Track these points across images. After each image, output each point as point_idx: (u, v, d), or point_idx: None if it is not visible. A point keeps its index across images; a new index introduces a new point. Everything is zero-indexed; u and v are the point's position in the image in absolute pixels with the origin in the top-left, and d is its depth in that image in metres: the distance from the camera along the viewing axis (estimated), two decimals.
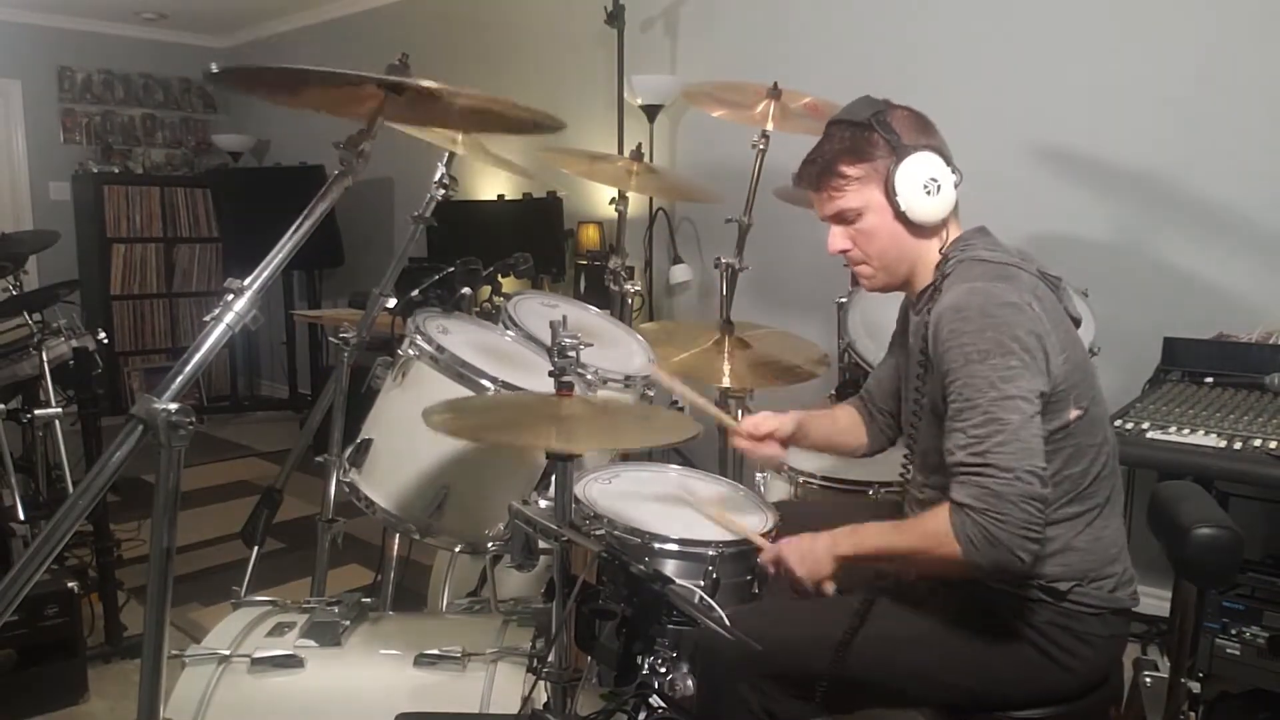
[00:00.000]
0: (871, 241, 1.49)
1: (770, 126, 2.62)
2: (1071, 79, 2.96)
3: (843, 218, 1.50)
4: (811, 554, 1.42)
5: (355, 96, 1.40)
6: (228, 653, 1.64)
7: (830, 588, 1.43)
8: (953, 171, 1.44)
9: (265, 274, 1.21)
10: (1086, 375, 1.43)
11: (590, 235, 4.38)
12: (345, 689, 1.65)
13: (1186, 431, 2.00)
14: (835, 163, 1.47)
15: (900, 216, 1.45)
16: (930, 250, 1.49)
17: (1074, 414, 1.38)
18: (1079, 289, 2.46)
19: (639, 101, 3.92)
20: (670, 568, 1.59)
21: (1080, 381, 1.40)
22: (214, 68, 1.20)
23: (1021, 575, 1.34)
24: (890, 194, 1.44)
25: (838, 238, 1.52)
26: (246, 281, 1.19)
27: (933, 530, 1.31)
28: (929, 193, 1.42)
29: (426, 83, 1.33)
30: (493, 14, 4.84)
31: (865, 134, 1.45)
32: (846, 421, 1.83)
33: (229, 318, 1.17)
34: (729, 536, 1.63)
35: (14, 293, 3.16)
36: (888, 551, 1.40)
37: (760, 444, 1.76)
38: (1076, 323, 1.50)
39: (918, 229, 1.47)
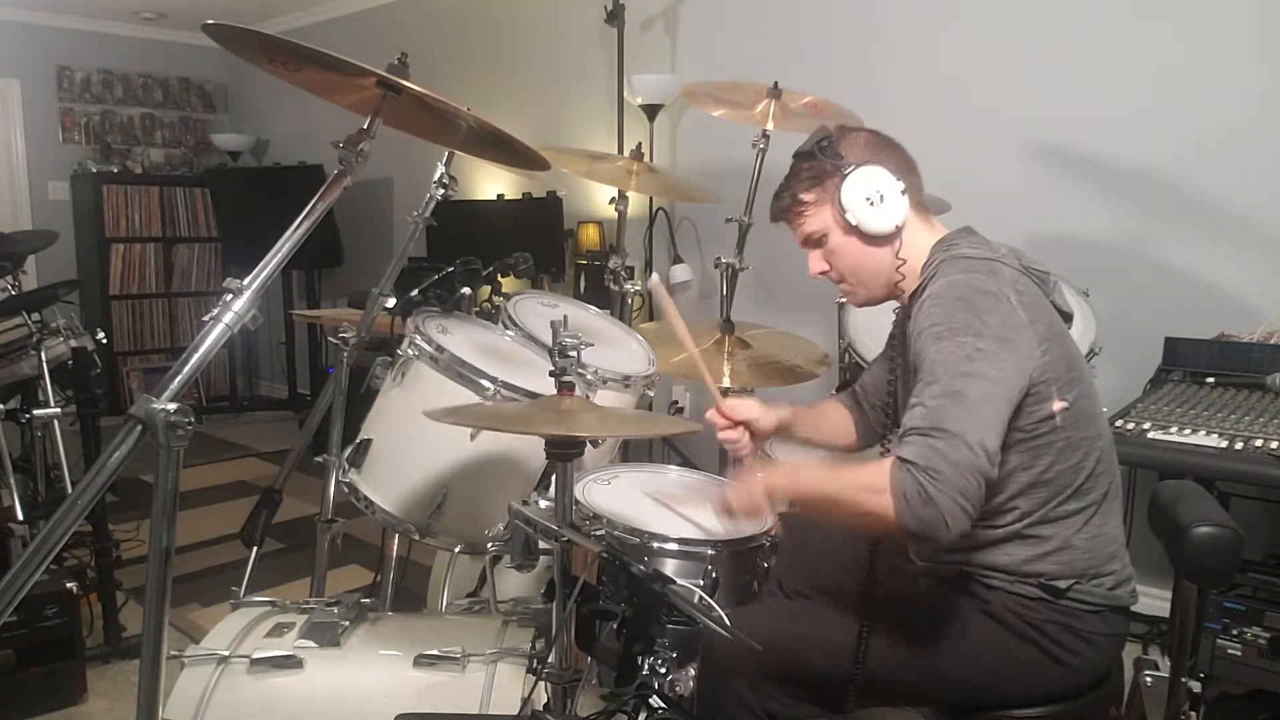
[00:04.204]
0: (841, 259, 1.57)
1: (770, 126, 2.62)
2: (1073, 79, 2.96)
3: (812, 241, 1.59)
4: (754, 504, 1.52)
5: (352, 86, 1.40)
6: (227, 653, 1.64)
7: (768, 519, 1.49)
8: (898, 179, 1.50)
9: (264, 274, 1.21)
10: (1073, 368, 1.43)
11: (590, 235, 4.38)
12: (344, 690, 1.65)
13: (1188, 431, 1.99)
14: (795, 193, 1.57)
15: (854, 230, 1.52)
16: (894, 256, 1.54)
17: (1058, 405, 1.39)
18: (1080, 289, 2.46)
19: (639, 101, 3.92)
20: (670, 568, 1.59)
21: (1065, 374, 1.40)
22: (207, 21, 1.21)
23: (943, 547, 1.33)
24: (840, 211, 1.51)
25: (814, 261, 1.61)
26: (245, 281, 1.19)
27: (869, 481, 1.29)
28: (872, 203, 1.49)
29: (420, 89, 1.33)
30: (493, 13, 4.84)
31: (815, 162, 1.54)
32: (834, 420, 1.84)
33: (228, 318, 1.17)
34: (729, 536, 1.63)
35: (13, 292, 3.15)
36: (820, 495, 1.40)
37: (730, 430, 1.77)
38: (1067, 317, 1.51)
39: (875, 239, 1.53)
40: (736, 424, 1.76)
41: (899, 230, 1.52)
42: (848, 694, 1.42)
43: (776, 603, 1.67)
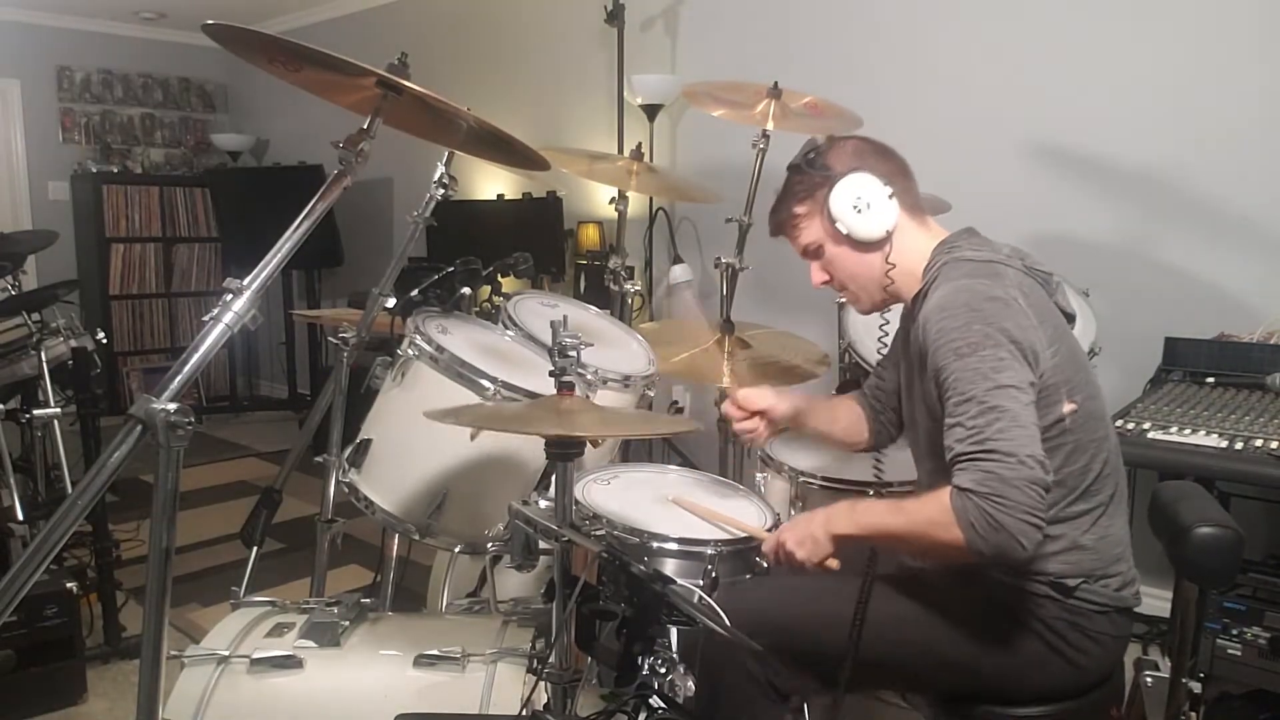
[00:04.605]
0: (839, 268, 1.59)
1: (770, 126, 2.62)
2: (1073, 79, 2.96)
3: (810, 253, 1.61)
4: (809, 535, 1.44)
5: (352, 86, 1.40)
6: (227, 653, 1.64)
7: (834, 564, 1.44)
8: (886, 184, 1.50)
9: (264, 274, 1.21)
10: (1080, 369, 1.44)
11: (590, 235, 4.38)
12: (344, 690, 1.65)
13: (1188, 431, 1.99)
14: (790, 206, 1.60)
15: (845, 239, 1.54)
16: (884, 261, 1.55)
17: (1068, 408, 1.39)
18: (1080, 289, 2.46)
19: (639, 101, 3.92)
20: (670, 567, 1.59)
21: (1073, 375, 1.41)
22: (207, 21, 1.22)
23: (1022, 563, 1.33)
24: (829, 221, 1.53)
25: (815, 271, 1.63)
26: (245, 281, 1.19)
27: (933, 514, 1.29)
28: (859, 210, 1.51)
29: (420, 89, 1.33)
30: (493, 13, 4.84)
31: (804, 175, 1.57)
32: (847, 417, 1.84)
33: (228, 318, 1.17)
34: (729, 535, 1.63)
35: (13, 292, 3.15)
36: (886, 532, 1.38)
37: (747, 419, 1.79)
38: (1070, 318, 1.51)
39: (866, 245, 1.54)
40: (752, 414, 1.78)
41: (889, 235, 1.52)
42: (854, 672, 1.42)
43: (783, 580, 1.66)
